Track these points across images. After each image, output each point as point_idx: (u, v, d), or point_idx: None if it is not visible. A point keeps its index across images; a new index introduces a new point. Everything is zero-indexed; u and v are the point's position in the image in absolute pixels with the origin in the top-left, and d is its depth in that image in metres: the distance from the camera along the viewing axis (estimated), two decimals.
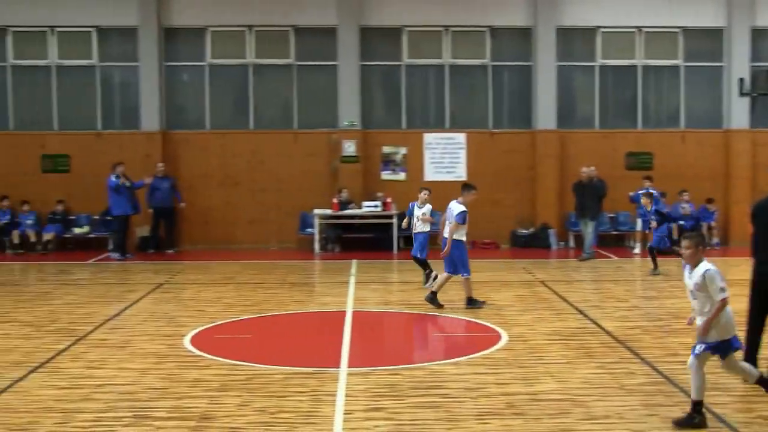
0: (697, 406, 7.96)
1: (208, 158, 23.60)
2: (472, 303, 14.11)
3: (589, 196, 20.98)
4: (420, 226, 16.31)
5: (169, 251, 22.40)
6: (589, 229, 20.88)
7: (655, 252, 18.48)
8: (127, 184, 21.49)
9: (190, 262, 20.93)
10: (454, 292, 14.56)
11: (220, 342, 11.94)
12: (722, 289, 7.97)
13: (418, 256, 16.22)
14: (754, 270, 9.56)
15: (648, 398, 8.86)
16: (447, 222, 14.23)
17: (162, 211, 22.46)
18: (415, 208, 16.44)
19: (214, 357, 10.79)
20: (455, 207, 14.13)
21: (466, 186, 14.72)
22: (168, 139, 23.47)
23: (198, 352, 11.08)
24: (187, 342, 11.69)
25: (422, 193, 16.56)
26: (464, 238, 14.20)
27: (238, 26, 23.60)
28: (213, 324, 13.05)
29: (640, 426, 8.00)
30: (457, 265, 14.09)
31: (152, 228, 22.62)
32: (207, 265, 20.16)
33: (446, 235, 14.15)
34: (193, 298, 15.46)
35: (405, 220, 16.85)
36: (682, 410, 8.31)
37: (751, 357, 9.25)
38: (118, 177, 21.34)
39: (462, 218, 13.97)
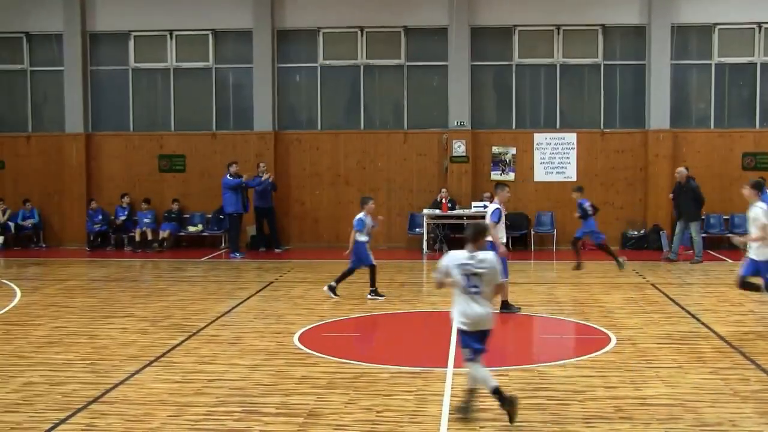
0: None
1: (320, 158, 23.93)
2: (507, 308, 13.90)
3: (685, 197, 20.53)
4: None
5: (278, 250, 22.77)
6: (694, 234, 20.43)
7: (578, 245, 18.44)
8: (245, 182, 22.01)
9: (300, 260, 21.23)
10: (561, 293, 14.39)
11: (327, 340, 12.10)
12: None
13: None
14: None
15: (763, 406, 8.63)
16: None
17: (263, 211, 22.84)
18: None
19: (322, 355, 10.94)
20: (490, 207, 14.03)
21: (499, 185, 14.56)
22: (280, 139, 23.88)
23: (306, 350, 11.25)
24: (295, 339, 11.89)
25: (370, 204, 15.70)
26: (503, 239, 13.93)
27: (350, 27, 23.85)
28: (321, 322, 13.23)
29: None
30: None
31: (257, 227, 23.04)
32: (316, 263, 20.40)
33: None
34: (301, 296, 15.69)
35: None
36: None
37: None
38: (233, 176, 21.83)
39: (497, 216, 13.71)
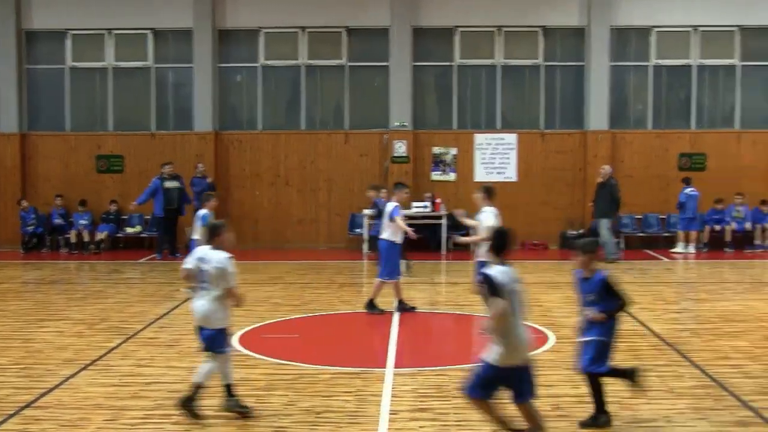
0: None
1: (260, 158, 23.81)
2: (372, 307, 13.89)
3: (603, 195, 20.86)
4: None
5: None
6: (602, 230, 20.74)
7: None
8: (171, 185, 21.67)
9: (239, 261, 20.93)
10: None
11: (267, 341, 12.03)
12: None
13: None
14: None
15: (697, 402, 8.75)
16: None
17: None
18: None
19: (261, 356, 10.87)
20: (389, 205, 14.01)
21: (398, 185, 14.63)
22: (220, 140, 23.71)
23: (245, 351, 11.17)
24: (234, 341, 11.78)
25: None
26: (396, 239, 13.94)
27: (291, 27, 23.76)
28: (260, 323, 13.15)
29: (688, 429, 7.92)
30: (382, 264, 13.92)
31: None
32: (256, 264, 20.28)
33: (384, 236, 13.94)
34: None
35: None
36: (731, 414, 8.23)
37: None
38: (160, 177, 21.56)
39: (397, 211, 13.79)
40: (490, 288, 7.24)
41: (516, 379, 7.32)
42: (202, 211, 14.62)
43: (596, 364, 7.89)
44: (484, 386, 7.36)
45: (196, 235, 14.32)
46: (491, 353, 7.33)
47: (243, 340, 11.82)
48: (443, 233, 22.32)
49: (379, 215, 16.58)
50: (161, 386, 9.49)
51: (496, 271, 7.35)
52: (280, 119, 24.24)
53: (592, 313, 7.87)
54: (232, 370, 8.55)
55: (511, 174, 23.64)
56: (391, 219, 13.84)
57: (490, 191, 12.85)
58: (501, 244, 7.61)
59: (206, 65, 23.47)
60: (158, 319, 13.51)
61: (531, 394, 7.39)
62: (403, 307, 13.93)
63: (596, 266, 7.97)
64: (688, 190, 22.31)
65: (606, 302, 7.84)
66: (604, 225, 20.73)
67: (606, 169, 21.25)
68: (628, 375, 8.12)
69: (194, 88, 23.65)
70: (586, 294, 7.95)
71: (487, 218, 12.19)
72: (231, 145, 23.80)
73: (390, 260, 13.86)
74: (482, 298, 7.43)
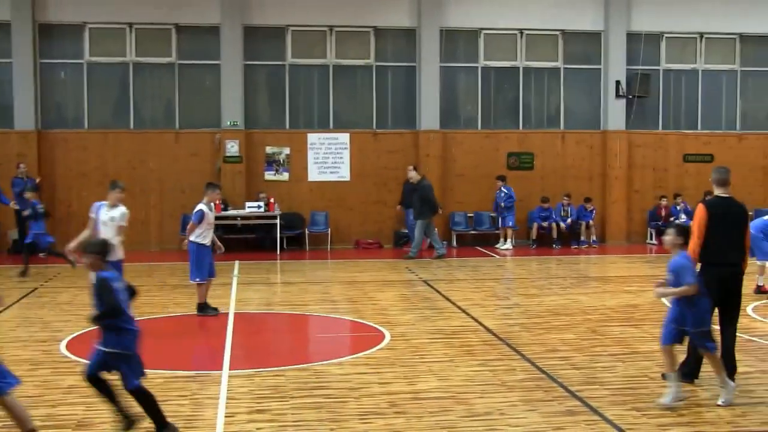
0: None
1: (87, 158, 23.03)
2: (203, 309, 13.76)
3: (415, 196, 21.38)
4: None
5: (42, 254, 21.70)
6: (416, 230, 21.25)
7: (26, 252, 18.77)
8: None
9: (66, 265, 20.33)
10: (335, 292, 14.50)
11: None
12: None
13: None
14: (711, 273, 9.02)
15: (528, 394, 8.98)
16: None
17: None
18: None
19: None
20: (197, 207, 13.78)
21: (210, 185, 14.36)
22: (44, 139, 22.81)
23: (74, 358, 10.77)
24: (62, 347, 11.36)
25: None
26: (205, 241, 13.71)
27: (118, 23, 23.10)
28: (90, 328, 12.66)
29: (519, 421, 8.10)
30: (190, 267, 13.76)
31: (19, 231, 21.89)
32: (84, 268, 19.58)
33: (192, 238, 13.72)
34: (69, 303, 15.04)
35: None
36: (560, 404, 8.50)
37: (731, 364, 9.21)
38: None
39: (198, 218, 13.57)
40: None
41: None
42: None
43: (129, 379, 7.66)
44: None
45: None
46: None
47: (71, 347, 11.40)
48: (277, 233, 22.21)
49: None
50: None
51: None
52: (107, 118, 23.53)
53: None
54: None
55: (344, 173, 23.75)
56: (197, 222, 13.55)
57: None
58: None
59: (26, 60, 22.48)
60: None
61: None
62: (204, 310, 13.71)
63: (105, 267, 7.86)
64: (501, 187, 23.05)
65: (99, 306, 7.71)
66: (419, 226, 21.11)
67: (413, 173, 21.61)
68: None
69: (14, 85, 22.62)
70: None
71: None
72: (56, 144, 22.93)
73: (199, 262, 13.61)
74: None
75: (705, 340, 8.56)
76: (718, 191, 9.45)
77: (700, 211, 9.21)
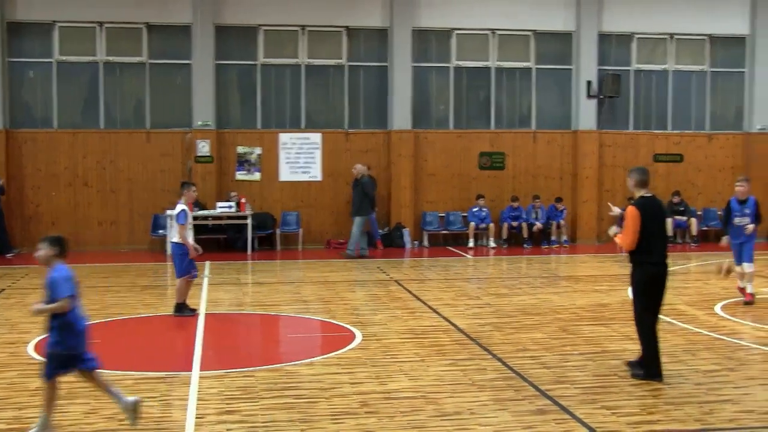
0: None
1: (56, 158, 22.86)
2: (180, 310, 13.58)
3: (357, 192, 21.41)
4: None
5: (9, 255, 21.56)
6: (354, 227, 21.26)
7: None
8: None
9: (35, 266, 20.12)
10: (307, 292, 14.46)
11: None
12: None
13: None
14: (648, 271, 9.37)
15: (498, 393, 9.00)
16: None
17: None
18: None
19: None
20: (177, 208, 13.59)
21: (185, 183, 14.15)
22: (12, 138, 22.61)
23: (42, 359, 10.64)
24: (30, 349, 11.25)
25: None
26: (190, 239, 13.62)
27: (88, 22, 22.95)
28: None
29: (490, 420, 8.11)
30: (176, 266, 13.66)
31: None
32: None
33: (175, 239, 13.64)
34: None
35: None
36: (531, 403, 8.52)
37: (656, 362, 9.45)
38: None
39: (184, 218, 13.39)
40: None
41: None
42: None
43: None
44: None
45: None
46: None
47: (40, 348, 11.27)
48: (248, 233, 22.15)
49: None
50: None
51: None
52: (77, 117, 23.34)
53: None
54: None
55: (316, 173, 23.73)
56: (184, 222, 13.43)
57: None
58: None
59: None
60: None
61: None
62: (181, 310, 13.61)
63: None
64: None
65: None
66: (358, 223, 21.14)
67: (359, 167, 21.66)
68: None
69: None
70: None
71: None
72: (24, 144, 22.73)
73: (183, 260, 13.51)
74: None
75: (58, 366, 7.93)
76: (641, 192, 9.66)
77: (634, 212, 9.40)
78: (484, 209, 23.72)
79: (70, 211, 22.91)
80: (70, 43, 23.01)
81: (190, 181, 16.37)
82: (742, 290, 14.44)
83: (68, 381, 9.52)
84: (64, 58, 22.94)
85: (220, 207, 22.18)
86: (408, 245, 23.50)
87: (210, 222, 22.47)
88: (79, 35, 23.05)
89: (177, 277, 13.63)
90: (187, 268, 13.54)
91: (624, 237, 9.37)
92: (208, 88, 23.11)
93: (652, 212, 9.45)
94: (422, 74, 24.34)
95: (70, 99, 23.30)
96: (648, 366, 9.42)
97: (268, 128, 23.80)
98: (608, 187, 24.92)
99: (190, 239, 13.61)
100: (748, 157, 25.53)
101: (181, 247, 13.52)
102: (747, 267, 14.26)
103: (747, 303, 14.23)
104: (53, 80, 22.93)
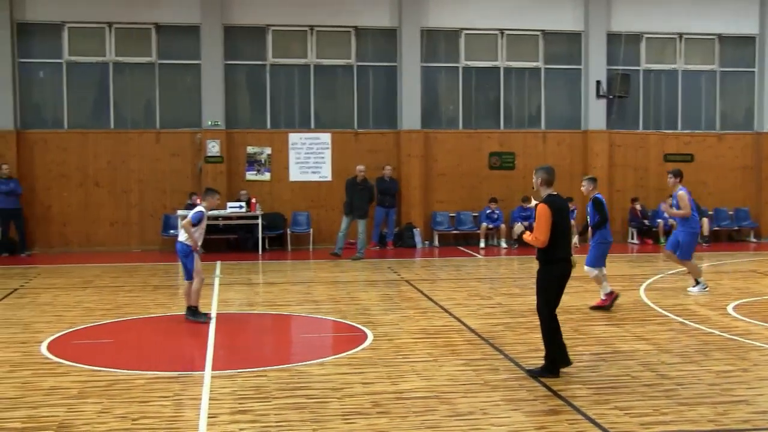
0: None
1: (67, 158, 22.93)
2: (195, 315, 13.33)
3: (360, 195, 21.32)
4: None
5: (23, 254, 21.65)
6: (360, 228, 21.23)
7: None
8: None
9: (48, 265, 20.25)
10: (318, 292, 14.46)
11: (78, 348, 11.55)
12: None
13: None
14: (559, 269, 9.69)
15: (511, 393, 8.98)
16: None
17: (8, 213, 21.64)
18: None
19: (73, 363, 10.42)
20: (196, 208, 13.48)
21: (209, 190, 13.85)
22: (24, 139, 22.68)
23: (55, 359, 10.69)
24: (43, 348, 11.28)
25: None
26: (200, 241, 13.43)
27: (98, 23, 23.01)
28: (71, 329, 12.64)
29: (503, 420, 8.10)
30: (185, 267, 13.47)
31: (2, 231, 21.78)
32: (65, 268, 19.54)
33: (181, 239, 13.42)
34: (50, 303, 14.93)
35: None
36: (543, 403, 8.50)
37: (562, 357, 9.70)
38: None
39: (197, 218, 13.19)
40: None
41: None
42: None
43: None
44: None
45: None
46: None
47: (53, 347, 11.31)
48: (259, 233, 22.18)
49: None
50: None
51: None
52: (87, 118, 23.41)
53: None
54: None
55: (325, 173, 23.75)
56: (195, 222, 13.30)
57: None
58: None
59: (5, 60, 22.40)
60: None
61: None
62: (195, 315, 13.48)
63: None
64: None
65: None
66: (363, 225, 21.13)
67: (361, 168, 21.55)
68: None
69: None
70: None
71: None
72: (35, 144, 22.80)
73: (191, 262, 13.40)
74: None
75: None
76: (548, 191, 9.87)
77: (546, 209, 9.57)
78: (497, 211, 23.68)
79: (82, 212, 22.97)
80: (80, 44, 23.08)
81: (214, 188, 16.19)
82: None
83: (80, 381, 9.57)
84: (73, 58, 23.00)
85: (231, 207, 22.21)
86: (419, 245, 23.51)
87: (220, 222, 22.50)
88: (89, 36, 23.12)
89: (186, 279, 13.56)
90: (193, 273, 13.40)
91: (537, 234, 9.55)
92: (217, 89, 23.15)
93: (559, 210, 9.68)
94: (431, 74, 24.34)
95: (80, 99, 23.37)
96: (552, 361, 9.62)
97: (278, 128, 23.83)
98: (619, 187, 24.90)
99: (200, 240, 13.53)
100: (759, 157, 25.50)
101: (187, 247, 13.45)
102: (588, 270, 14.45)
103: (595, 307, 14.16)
104: (63, 81, 23.00)
